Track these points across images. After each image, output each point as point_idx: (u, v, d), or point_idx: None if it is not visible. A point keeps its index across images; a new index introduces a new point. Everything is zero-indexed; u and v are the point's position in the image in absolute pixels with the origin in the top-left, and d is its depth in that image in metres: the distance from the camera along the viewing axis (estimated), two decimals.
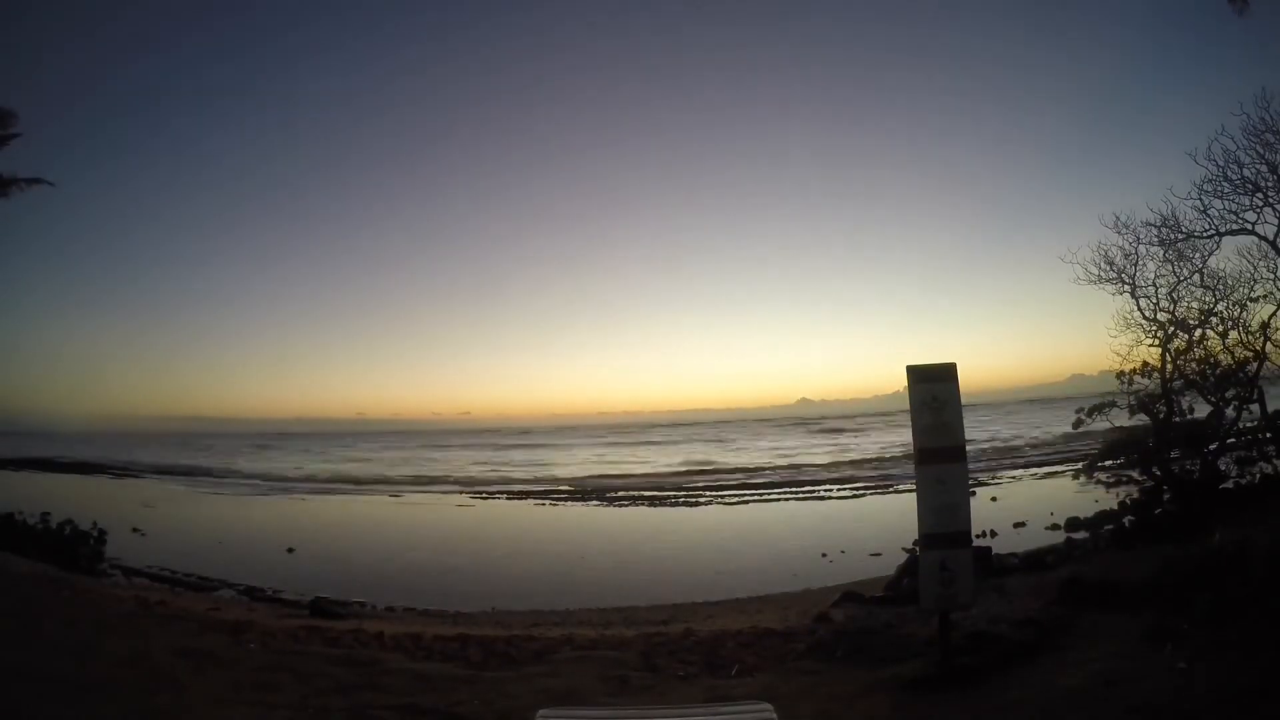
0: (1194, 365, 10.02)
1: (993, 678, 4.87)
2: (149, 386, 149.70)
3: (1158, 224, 9.92)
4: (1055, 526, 14.47)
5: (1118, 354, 10.45)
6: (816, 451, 50.15)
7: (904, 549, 12.77)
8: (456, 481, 39.77)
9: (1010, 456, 36.09)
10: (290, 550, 17.20)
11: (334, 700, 4.97)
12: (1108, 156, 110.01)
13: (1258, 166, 9.17)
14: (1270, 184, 9.12)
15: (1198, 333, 10.01)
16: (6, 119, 14.95)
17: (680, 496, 28.31)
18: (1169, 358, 10.08)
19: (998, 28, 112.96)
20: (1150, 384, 10.23)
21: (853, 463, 40.27)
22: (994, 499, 20.82)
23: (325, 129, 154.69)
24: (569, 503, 28.34)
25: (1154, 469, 9.91)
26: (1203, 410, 9.94)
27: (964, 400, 5.00)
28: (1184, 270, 9.96)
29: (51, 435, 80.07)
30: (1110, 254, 10.27)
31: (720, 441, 69.05)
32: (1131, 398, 10.20)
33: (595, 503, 27.90)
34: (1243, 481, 9.64)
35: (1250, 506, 8.52)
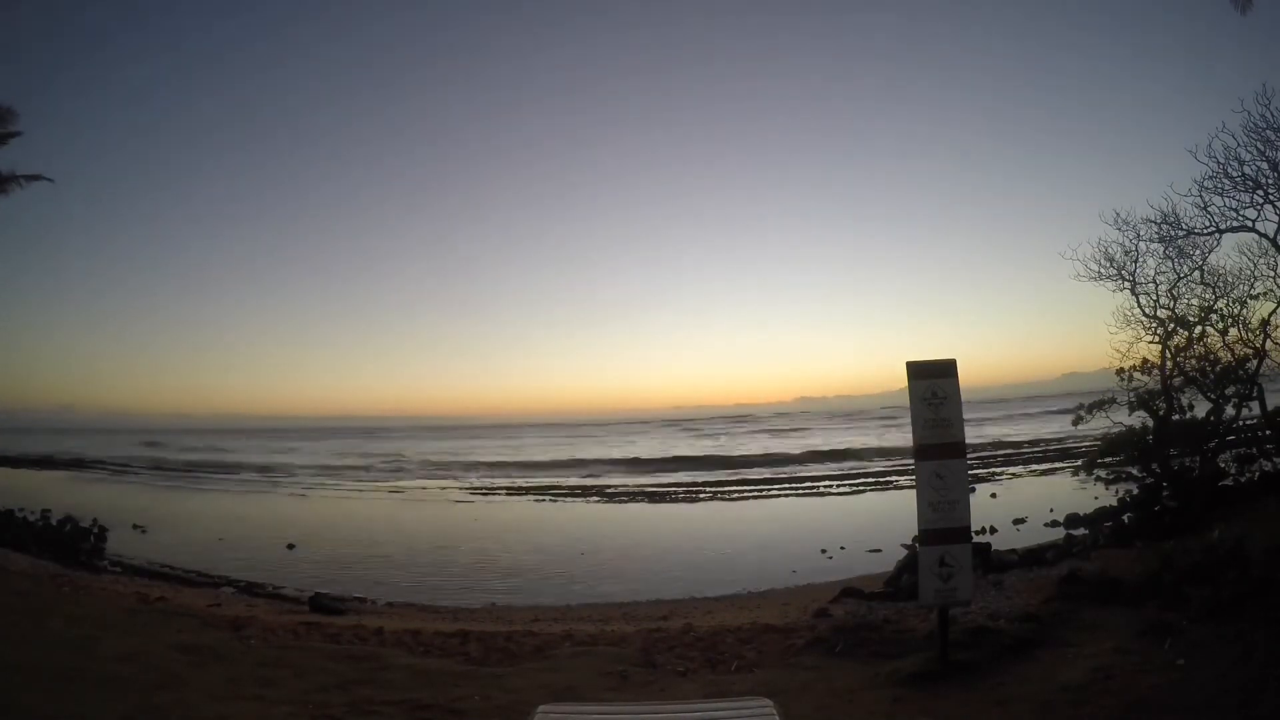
0: (1194, 362, 10.02)
1: (991, 673, 4.89)
2: (148, 383, 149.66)
3: (1158, 221, 9.89)
4: (1055, 523, 14.49)
5: (1117, 351, 10.44)
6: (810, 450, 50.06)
7: (903, 545, 12.80)
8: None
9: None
10: (290, 546, 17.23)
11: (334, 696, 4.99)
12: (1108, 153, 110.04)
13: (1258, 163, 9.14)
14: (1271, 181, 9.09)
15: (1198, 330, 10.00)
16: (7, 117, 14.93)
17: (679, 493, 28.31)
18: (1169, 355, 10.08)
19: (997, 23, 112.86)
20: (1150, 381, 10.22)
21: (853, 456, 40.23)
22: (994, 495, 20.83)
23: (326, 124, 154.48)
24: (569, 499, 28.36)
25: (1153, 466, 9.91)
26: (1202, 407, 9.94)
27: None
28: (1184, 267, 9.96)
29: (50, 431, 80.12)
30: (1110, 251, 10.25)
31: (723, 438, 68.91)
32: (1131, 395, 10.20)
33: (595, 499, 27.92)
34: (1242, 479, 9.63)
35: (1249, 504, 8.53)
